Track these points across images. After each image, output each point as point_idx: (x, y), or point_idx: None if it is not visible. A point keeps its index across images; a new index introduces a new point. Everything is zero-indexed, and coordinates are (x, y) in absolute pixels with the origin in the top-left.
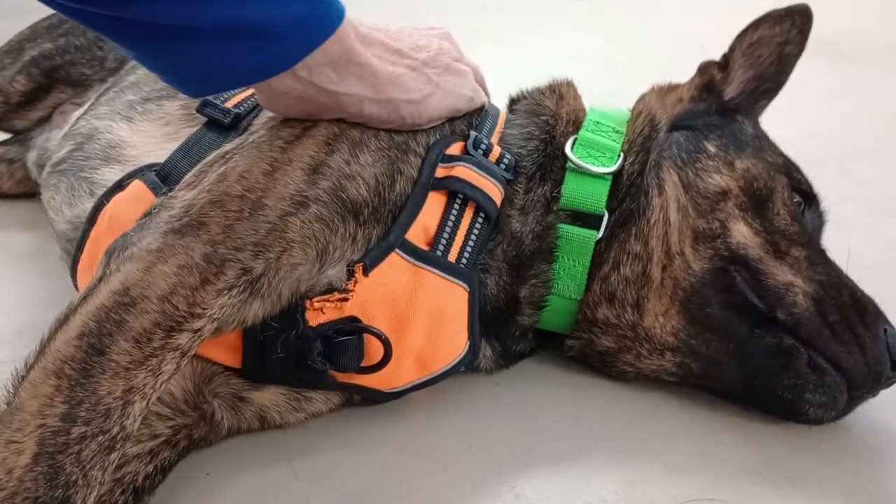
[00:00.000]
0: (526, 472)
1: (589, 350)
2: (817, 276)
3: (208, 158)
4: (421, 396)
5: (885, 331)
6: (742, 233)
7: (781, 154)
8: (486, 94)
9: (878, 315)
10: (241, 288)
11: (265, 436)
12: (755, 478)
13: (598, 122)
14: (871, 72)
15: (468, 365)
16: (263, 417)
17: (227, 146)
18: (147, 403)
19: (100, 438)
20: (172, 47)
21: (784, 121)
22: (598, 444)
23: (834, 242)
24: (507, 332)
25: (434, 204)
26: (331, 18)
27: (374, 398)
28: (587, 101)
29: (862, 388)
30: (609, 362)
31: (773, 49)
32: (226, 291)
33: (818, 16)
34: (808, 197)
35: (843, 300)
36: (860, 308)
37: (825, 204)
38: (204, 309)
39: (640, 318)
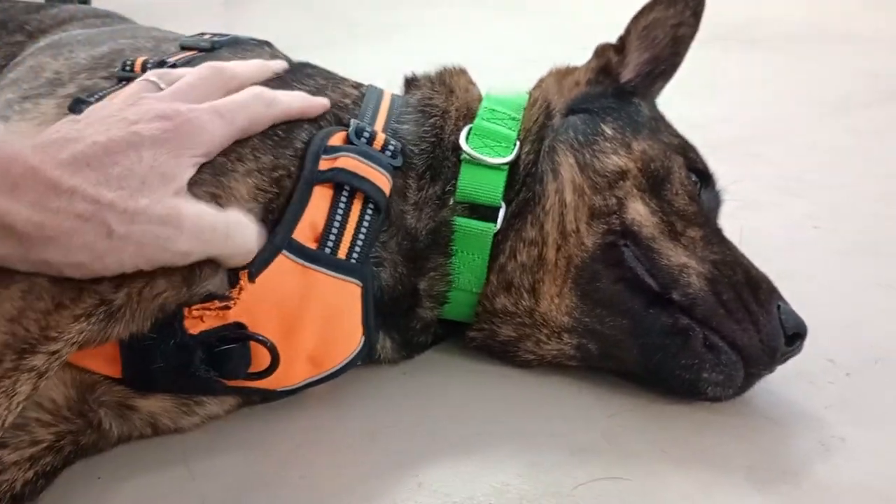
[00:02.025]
0: (430, 460)
1: (491, 341)
2: (712, 256)
3: None
4: (323, 388)
5: (779, 307)
6: (638, 211)
7: (678, 135)
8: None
9: (772, 292)
10: (101, 316)
11: (161, 437)
12: (659, 456)
13: (493, 110)
14: (779, 57)
15: (366, 358)
16: (154, 424)
17: None
18: (3, 424)
19: None
20: None
21: (696, 105)
22: (503, 430)
23: (741, 221)
24: (408, 324)
25: (320, 198)
26: None
27: (269, 396)
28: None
29: (758, 364)
30: (511, 351)
31: (668, 31)
32: (84, 318)
33: (728, 2)
34: (704, 177)
35: (737, 279)
36: (754, 286)
37: (734, 184)
38: (59, 332)
39: (536, 303)
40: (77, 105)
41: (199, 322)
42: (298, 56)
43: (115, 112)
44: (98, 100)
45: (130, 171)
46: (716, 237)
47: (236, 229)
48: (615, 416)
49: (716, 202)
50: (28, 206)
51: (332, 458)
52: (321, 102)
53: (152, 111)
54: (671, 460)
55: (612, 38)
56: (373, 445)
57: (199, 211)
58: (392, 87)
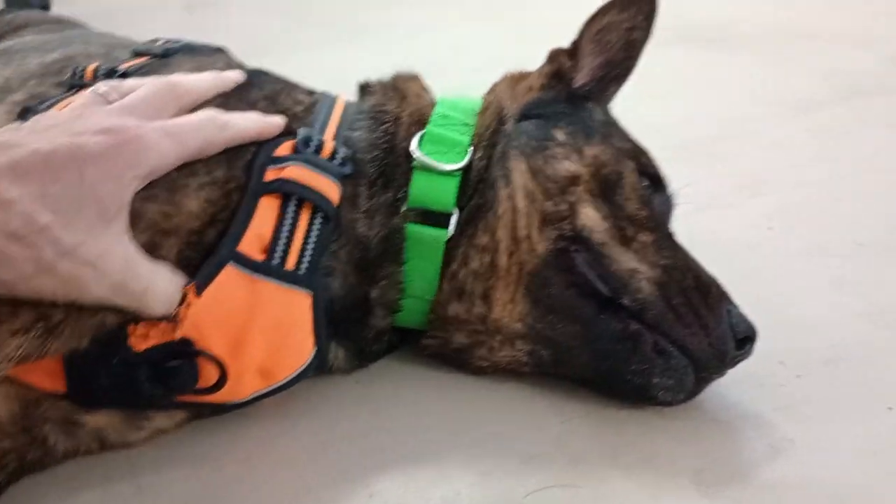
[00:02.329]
0: (381, 471)
1: (445, 348)
2: (662, 261)
3: None
4: (275, 400)
5: (729, 311)
6: (590, 216)
7: (630, 139)
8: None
9: (722, 296)
10: (39, 332)
11: (109, 452)
12: (610, 461)
13: (446, 116)
14: (740, 58)
15: (318, 368)
16: (101, 439)
17: None
18: None
19: None
20: None
21: (657, 106)
22: (456, 439)
23: (697, 223)
24: (360, 333)
25: (267, 210)
26: None
27: (219, 410)
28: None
29: (708, 368)
30: (465, 359)
31: (621, 35)
32: (21, 333)
33: (692, 4)
34: (656, 181)
35: (687, 283)
36: (703, 290)
37: (691, 186)
38: None
39: (488, 310)
40: (25, 113)
41: (144, 339)
42: (265, 60)
43: (61, 122)
44: (48, 108)
45: (68, 191)
46: (667, 242)
47: (157, 288)
48: (567, 422)
49: (668, 206)
50: None
51: (283, 470)
52: (276, 123)
53: (98, 124)
54: (621, 465)
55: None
56: (324, 457)
57: (127, 259)
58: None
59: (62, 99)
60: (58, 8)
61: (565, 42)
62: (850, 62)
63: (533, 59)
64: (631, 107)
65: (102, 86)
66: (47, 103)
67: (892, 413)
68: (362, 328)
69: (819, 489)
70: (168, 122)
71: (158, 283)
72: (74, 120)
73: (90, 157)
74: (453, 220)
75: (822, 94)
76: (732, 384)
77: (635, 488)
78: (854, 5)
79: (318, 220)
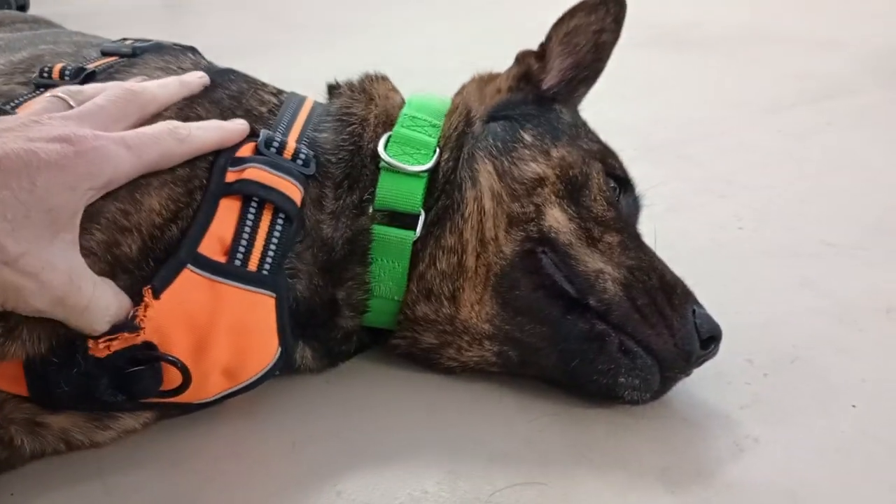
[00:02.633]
0: (350, 469)
1: (414, 348)
2: (627, 262)
3: None
4: (244, 400)
5: (694, 311)
6: (556, 217)
7: (598, 141)
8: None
9: (687, 296)
10: None
11: (76, 452)
12: (577, 459)
13: (414, 117)
14: (710, 59)
15: (284, 368)
16: (67, 440)
17: None
18: None
19: None
20: None
21: (627, 108)
22: (425, 438)
23: (666, 224)
24: (328, 333)
25: (227, 212)
26: None
27: (187, 409)
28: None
29: (673, 368)
30: (434, 359)
31: (590, 37)
32: None
33: (664, 6)
34: (623, 182)
35: (652, 284)
36: (668, 291)
37: (660, 186)
38: None
39: (456, 311)
40: None
41: (105, 347)
42: (239, 60)
43: (16, 127)
44: (14, 107)
45: (18, 197)
46: (633, 242)
47: (99, 304)
48: (535, 420)
49: (635, 208)
50: None
51: (252, 470)
52: (239, 129)
53: (55, 132)
54: (589, 464)
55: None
56: (293, 456)
57: (71, 273)
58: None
59: (29, 98)
60: (38, 9)
61: (533, 44)
62: (818, 65)
63: (507, 60)
64: (600, 108)
65: (62, 91)
66: (14, 102)
67: (855, 410)
68: (330, 329)
69: (783, 486)
70: (127, 134)
71: (101, 300)
72: (31, 125)
73: (44, 165)
74: (420, 222)
75: (790, 97)
76: (700, 382)
77: (602, 486)
78: (822, 9)
79: (279, 222)
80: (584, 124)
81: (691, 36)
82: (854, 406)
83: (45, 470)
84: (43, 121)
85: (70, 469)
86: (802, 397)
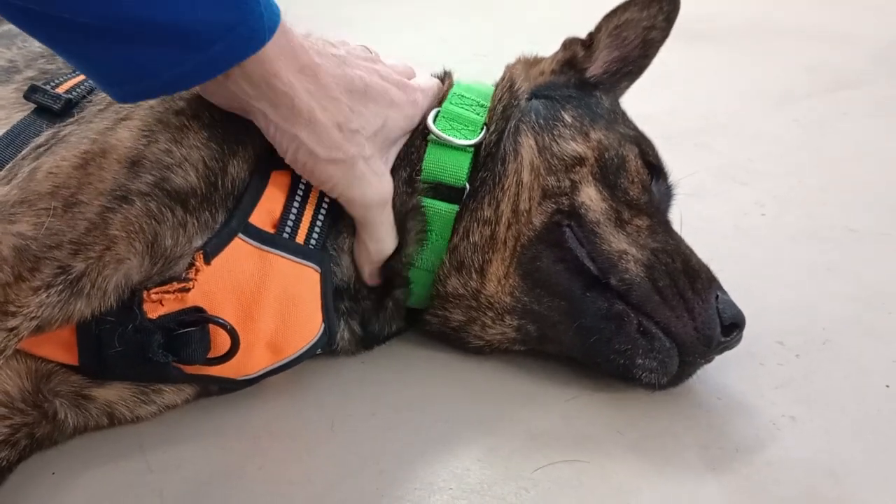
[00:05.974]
0: (389, 448)
1: (445, 327)
2: (653, 244)
3: (24, 151)
4: (282, 379)
5: (717, 297)
6: (590, 195)
7: (635, 128)
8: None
9: (711, 282)
10: (61, 287)
11: (118, 429)
12: (615, 437)
13: (462, 96)
14: (725, 51)
15: (324, 347)
16: (111, 413)
17: (40, 139)
18: None
19: None
20: (92, 48)
21: (645, 99)
22: (462, 416)
23: (690, 210)
24: (374, 313)
25: (277, 185)
26: (262, 31)
27: (228, 387)
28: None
29: (693, 352)
30: (463, 337)
31: (639, 32)
32: (43, 290)
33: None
34: (656, 170)
35: (675, 267)
36: (692, 275)
37: (682, 174)
38: (19, 307)
39: (482, 285)
40: (32, 92)
41: (158, 306)
42: None
43: (365, 63)
44: (55, 86)
45: (373, 118)
46: (662, 227)
47: (389, 220)
48: (573, 399)
49: (667, 195)
50: (306, 92)
51: (292, 448)
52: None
53: (393, 77)
54: (627, 442)
55: (561, 35)
56: (332, 435)
57: (387, 190)
58: None
59: (72, 77)
60: None
61: (549, 36)
62: (831, 57)
63: (517, 53)
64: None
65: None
66: (56, 81)
67: (888, 391)
68: (377, 307)
69: (823, 465)
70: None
71: (391, 216)
72: (376, 63)
73: (392, 105)
74: (465, 195)
75: (804, 88)
76: (733, 363)
77: (642, 463)
78: (835, 2)
79: (326, 198)
80: (623, 112)
81: (705, 28)
82: (888, 386)
83: (85, 447)
84: (379, 64)
85: (111, 446)
86: (836, 378)
